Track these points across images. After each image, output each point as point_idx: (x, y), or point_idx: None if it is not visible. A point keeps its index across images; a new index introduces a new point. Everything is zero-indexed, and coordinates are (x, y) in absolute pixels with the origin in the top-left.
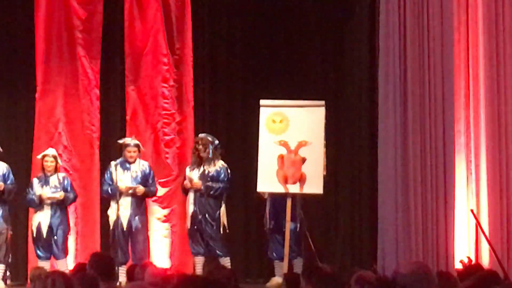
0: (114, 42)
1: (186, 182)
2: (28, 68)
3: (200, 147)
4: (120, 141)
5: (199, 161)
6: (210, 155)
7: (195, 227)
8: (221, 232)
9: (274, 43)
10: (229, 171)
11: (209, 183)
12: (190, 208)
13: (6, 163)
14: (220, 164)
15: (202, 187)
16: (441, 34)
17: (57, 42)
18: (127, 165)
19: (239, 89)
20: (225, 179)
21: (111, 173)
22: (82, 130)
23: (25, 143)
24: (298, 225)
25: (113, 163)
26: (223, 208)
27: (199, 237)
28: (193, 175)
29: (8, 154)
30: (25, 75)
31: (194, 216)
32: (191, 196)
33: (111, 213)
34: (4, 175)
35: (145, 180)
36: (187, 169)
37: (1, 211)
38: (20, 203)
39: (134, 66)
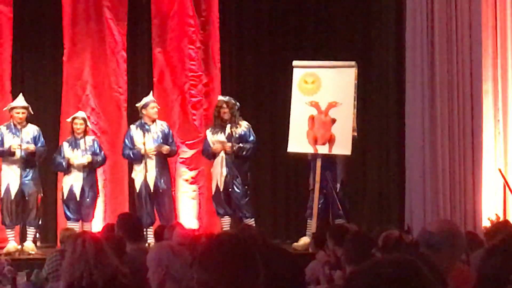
0: (140, 4)
1: (216, 146)
2: (55, 31)
3: (226, 110)
4: (138, 105)
5: (222, 124)
6: (236, 117)
7: (229, 189)
8: (249, 192)
9: (301, 2)
10: (252, 131)
11: (241, 144)
12: (223, 170)
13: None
14: (245, 124)
15: (234, 148)
16: None
17: (84, 5)
18: (147, 127)
19: (265, 50)
20: (253, 139)
21: (131, 136)
22: (110, 93)
23: (53, 106)
24: (339, 185)
25: (133, 126)
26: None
27: (226, 198)
28: (219, 138)
29: (37, 117)
30: (53, 38)
31: (226, 178)
32: (220, 158)
33: (135, 176)
34: (35, 137)
35: (165, 140)
36: (208, 133)
37: (31, 174)
38: (49, 166)
39: (160, 28)
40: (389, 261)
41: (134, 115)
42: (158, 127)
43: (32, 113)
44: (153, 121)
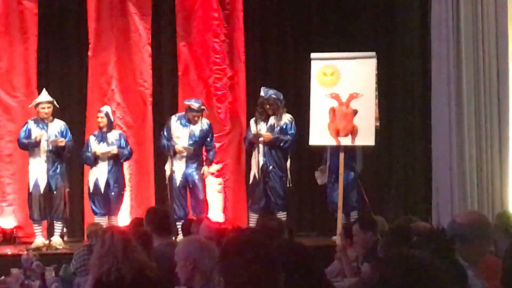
0: None
1: (256, 136)
2: (80, 27)
3: (268, 107)
4: (187, 102)
5: (266, 115)
6: (280, 110)
7: (266, 179)
8: (288, 185)
9: None
10: (294, 124)
11: (279, 136)
12: (260, 160)
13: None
14: (288, 117)
15: (272, 139)
16: None
17: (109, 0)
18: (187, 123)
19: (290, 43)
20: (293, 132)
21: (169, 128)
22: (135, 87)
23: (78, 101)
24: (356, 176)
25: (174, 117)
26: (288, 162)
27: (263, 190)
28: (260, 127)
29: (62, 112)
30: (77, 33)
31: (264, 168)
32: (260, 148)
33: (168, 168)
34: (62, 132)
35: (203, 139)
36: (252, 123)
37: (59, 168)
38: (75, 160)
39: (185, 22)
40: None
41: (159, 109)
42: (199, 126)
43: (57, 106)
44: (196, 122)
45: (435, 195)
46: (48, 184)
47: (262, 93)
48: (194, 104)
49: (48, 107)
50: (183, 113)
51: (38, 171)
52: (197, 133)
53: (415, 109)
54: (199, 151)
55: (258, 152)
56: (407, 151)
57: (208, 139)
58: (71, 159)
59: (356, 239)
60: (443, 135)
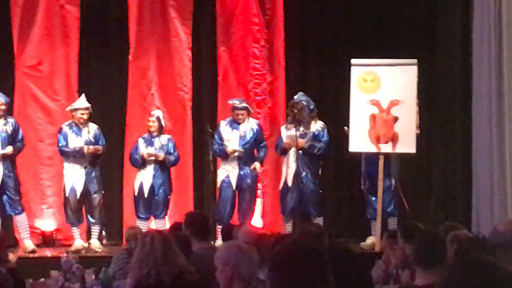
0: (205, 3)
1: (289, 141)
2: (121, 31)
3: (296, 110)
4: (230, 102)
5: (296, 122)
6: (306, 118)
7: (298, 185)
8: (320, 191)
9: (365, 0)
10: (327, 132)
11: (313, 143)
12: (292, 165)
13: (99, 125)
14: (320, 124)
15: (306, 146)
16: None
17: (150, 5)
18: (236, 125)
19: (330, 49)
20: (326, 140)
21: (220, 133)
22: (175, 91)
23: (118, 105)
24: (393, 183)
25: (222, 122)
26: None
27: (296, 196)
28: (291, 134)
29: (102, 116)
30: (118, 37)
31: (296, 173)
32: (292, 154)
33: (221, 172)
34: (95, 136)
35: (254, 140)
36: (283, 129)
37: (94, 173)
38: (115, 164)
39: (225, 27)
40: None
41: (199, 114)
42: (248, 126)
43: (92, 111)
44: (243, 121)
45: (475, 202)
46: (85, 189)
47: (296, 100)
48: (236, 102)
49: (86, 114)
50: (231, 117)
51: (75, 175)
52: (247, 134)
53: (455, 116)
54: (251, 153)
55: (292, 158)
56: (447, 158)
57: (259, 139)
58: (109, 163)
59: (397, 246)
60: (483, 142)
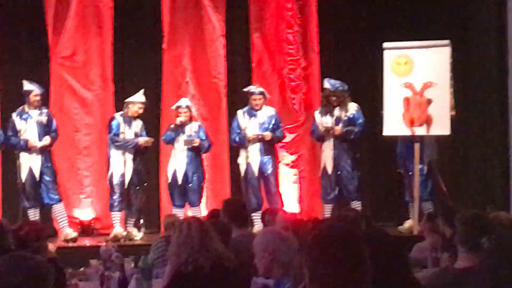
0: None
1: (325, 130)
2: (154, 19)
3: (334, 99)
4: (245, 89)
5: (331, 107)
6: (345, 101)
7: (336, 171)
8: (358, 174)
9: None
10: (362, 113)
11: (349, 128)
12: (330, 153)
13: None
14: (354, 107)
15: (343, 132)
16: None
17: None
18: (254, 113)
19: (363, 32)
20: (361, 122)
21: (238, 122)
22: (209, 79)
23: (153, 93)
24: (426, 167)
25: (240, 111)
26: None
27: (334, 181)
28: (327, 120)
29: None
30: (152, 26)
31: (334, 160)
32: (329, 141)
33: (242, 161)
34: (141, 129)
35: (272, 125)
36: (317, 115)
37: (141, 164)
38: (152, 152)
39: (258, 13)
40: None
41: (233, 101)
42: (266, 113)
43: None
44: (260, 107)
45: None
46: (132, 179)
47: (327, 85)
48: (253, 87)
49: (142, 108)
50: (248, 106)
51: (123, 165)
52: (265, 120)
53: (491, 98)
54: (270, 143)
55: (330, 146)
56: (483, 140)
57: (276, 125)
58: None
59: (437, 229)
60: None
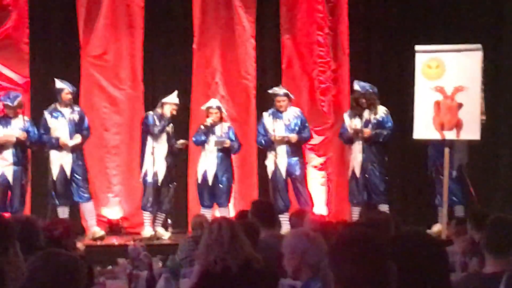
0: None
1: (354, 133)
2: (185, 20)
3: (364, 101)
4: (270, 91)
5: (360, 110)
6: (375, 107)
7: (364, 175)
8: (386, 178)
9: None
10: (390, 116)
11: (378, 130)
12: (358, 156)
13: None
14: (383, 110)
15: (372, 134)
16: None
17: None
18: (279, 114)
19: (394, 36)
20: (390, 125)
21: (264, 124)
22: (239, 80)
23: (183, 93)
24: (456, 172)
25: (265, 113)
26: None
27: (362, 185)
28: (355, 123)
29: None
30: (182, 26)
31: (363, 163)
32: (357, 144)
33: (269, 162)
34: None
35: (298, 126)
36: (346, 117)
37: (172, 163)
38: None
39: (289, 14)
40: None
41: (263, 102)
42: (291, 114)
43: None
44: (285, 108)
45: None
46: (165, 177)
47: (357, 87)
48: (276, 89)
49: (176, 110)
50: (273, 108)
51: (158, 163)
52: (291, 122)
53: None
54: (297, 145)
55: (358, 149)
56: None
57: (303, 126)
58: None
59: (465, 234)
60: None
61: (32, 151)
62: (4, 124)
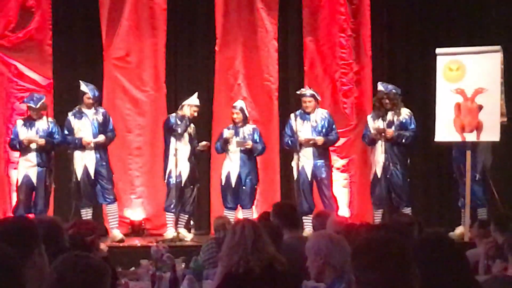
0: None
1: (377, 133)
2: (208, 22)
3: (387, 101)
4: (298, 92)
5: (384, 111)
6: (398, 105)
7: (386, 176)
8: (408, 180)
9: None
10: (414, 119)
11: (401, 132)
12: (380, 157)
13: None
14: (406, 112)
15: (394, 135)
16: None
17: None
18: (306, 116)
19: (416, 38)
20: (413, 127)
21: (291, 125)
22: (261, 82)
23: (205, 95)
24: (478, 174)
25: (292, 115)
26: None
27: (385, 186)
28: (379, 124)
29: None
30: (205, 28)
31: (385, 165)
32: (380, 145)
33: (295, 164)
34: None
35: (325, 129)
36: (369, 119)
37: (195, 165)
38: (201, 155)
39: (311, 16)
40: None
41: (285, 104)
42: (319, 116)
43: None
44: (312, 109)
45: None
46: (188, 179)
47: (381, 88)
48: (303, 90)
49: (197, 111)
50: (301, 109)
51: (181, 165)
52: (318, 124)
53: None
54: (323, 147)
55: (380, 149)
56: None
57: (330, 128)
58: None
59: (489, 236)
60: None
61: (54, 153)
62: (28, 126)
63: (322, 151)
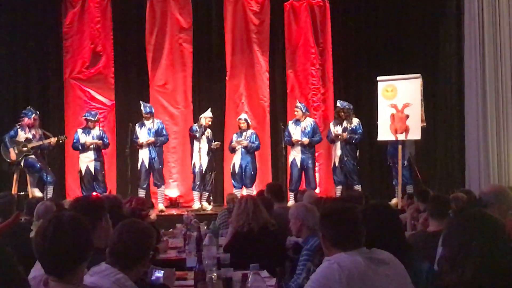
0: (278, 39)
1: (335, 135)
2: (220, 59)
3: (342, 113)
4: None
5: (341, 120)
6: (350, 117)
7: (342, 165)
8: (358, 168)
9: (384, 35)
10: (361, 126)
11: (352, 135)
12: (338, 152)
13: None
14: (356, 121)
15: (347, 137)
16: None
17: (240, 41)
18: (299, 122)
19: (364, 69)
20: (361, 131)
21: (288, 129)
22: (258, 101)
23: (219, 110)
24: (406, 162)
25: (290, 122)
26: (357, 152)
27: (341, 172)
28: (337, 129)
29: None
30: (219, 64)
31: (341, 157)
32: (338, 144)
33: (291, 156)
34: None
35: (310, 132)
36: (331, 125)
37: (212, 157)
38: (216, 152)
39: (292, 55)
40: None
41: (274, 115)
42: (308, 123)
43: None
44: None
45: (468, 175)
46: (207, 167)
47: (339, 104)
48: (298, 103)
49: (211, 120)
50: (295, 118)
51: (201, 158)
52: (306, 129)
53: (452, 113)
54: (309, 143)
55: (336, 146)
56: (445, 143)
57: (315, 132)
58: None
59: (414, 204)
60: (473, 131)
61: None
62: (86, 133)
63: (308, 148)
